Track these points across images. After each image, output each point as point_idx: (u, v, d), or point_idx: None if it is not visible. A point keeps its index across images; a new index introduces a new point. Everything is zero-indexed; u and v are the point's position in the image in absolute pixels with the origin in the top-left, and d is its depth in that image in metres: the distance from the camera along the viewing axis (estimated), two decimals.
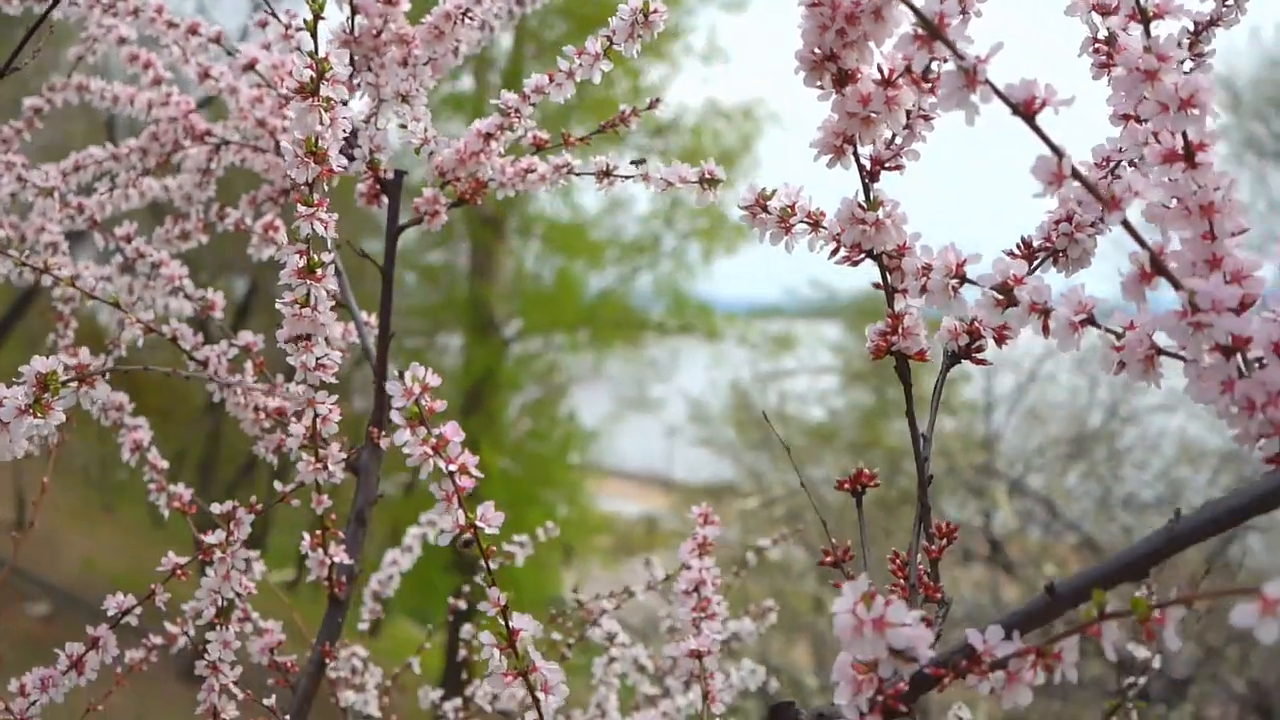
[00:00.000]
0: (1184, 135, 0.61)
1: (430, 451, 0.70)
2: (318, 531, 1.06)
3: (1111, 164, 0.79)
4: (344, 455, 1.01)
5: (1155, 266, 0.58)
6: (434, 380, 0.70)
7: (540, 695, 0.73)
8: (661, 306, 12.33)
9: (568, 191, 11.87)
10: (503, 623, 0.73)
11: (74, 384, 0.73)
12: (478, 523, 0.71)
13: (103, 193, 1.29)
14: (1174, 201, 0.63)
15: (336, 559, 1.07)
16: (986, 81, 0.57)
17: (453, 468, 0.70)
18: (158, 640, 1.25)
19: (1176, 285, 0.58)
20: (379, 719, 1.42)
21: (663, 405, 12.69)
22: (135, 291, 1.32)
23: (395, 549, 1.62)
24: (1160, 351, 0.62)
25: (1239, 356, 0.59)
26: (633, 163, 1.04)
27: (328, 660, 1.10)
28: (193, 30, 1.18)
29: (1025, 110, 0.57)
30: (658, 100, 1.13)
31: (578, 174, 1.08)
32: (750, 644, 1.76)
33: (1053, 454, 7.03)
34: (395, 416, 0.69)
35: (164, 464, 1.19)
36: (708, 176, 0.95)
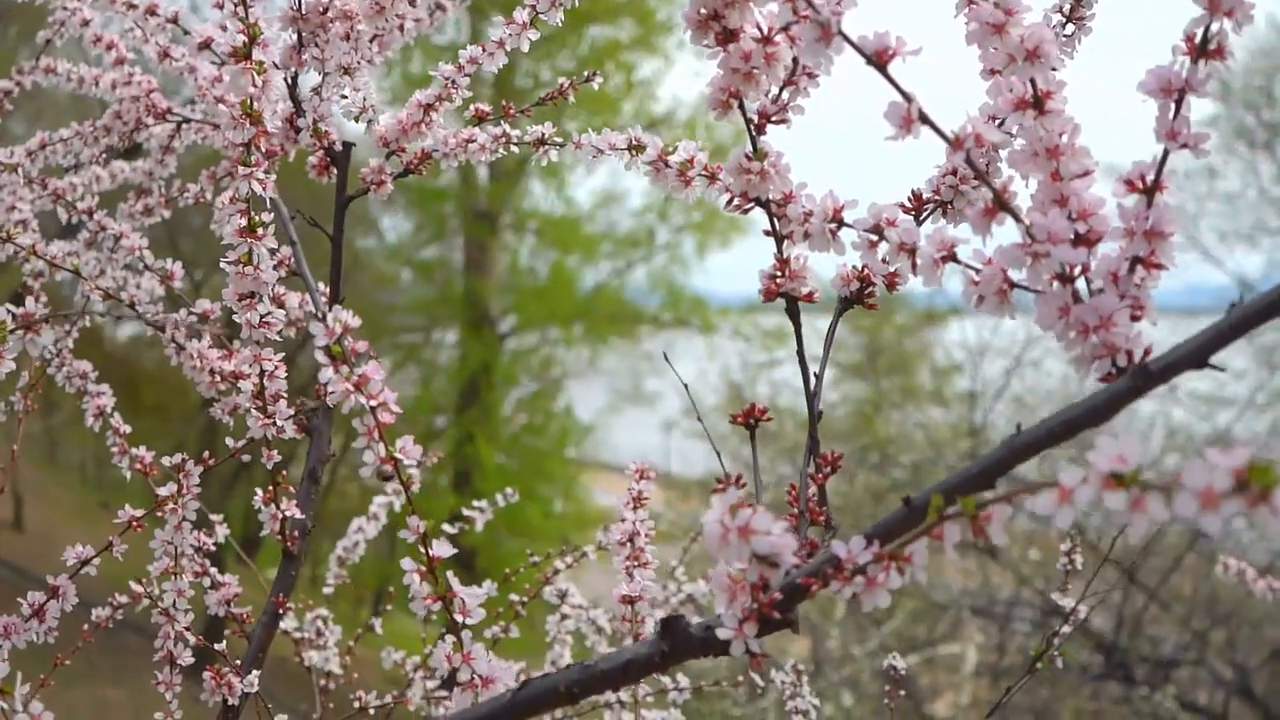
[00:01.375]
0: (1032, 83, 0.66)
1: (352, 388, 0.75)
2: (270, 487, 1.11)
3: (996, 120, 0.84)
4: (292, 411, 1.06)
5: (998, 203, 0.63)
6: (354, 321, 0.75)
7: (459, 618, 0.78)
8: (656, 300, 12.39)
9: (561, 186, 11.88)
10: (423, 550, 0.78)
11: (20, 331, 0.78)
12: (397, 454, 0.76)
13: (68, 169, 1.34)
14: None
15: (289, 514, 1.12)
16: (840, 34, 0.62)
17: (374, 403, 0.75)
18: (123, 599, 1.30)
19: (1018, 219, 0.63)
20: (340, 675, 1.48)
21: (659, 399, 12.75)
22: (102, 266, 1.37)
23: (361, 517, 1.68)
24: (1013, 285, 0.67)
25: (1079, 284, 0.64)
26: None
27: (281, 611, 1.15)
28: (151, 11, 1.23)
29: (878, 60, 0.62)
30: (595, 73, 1.19)
31: (516, 144, 1.13)
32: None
33: None
34: (319, 355, 0.74)
35: (127, 429, 1.24)
36: (634, 144, 1.00)
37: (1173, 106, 0.64)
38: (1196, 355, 0.58)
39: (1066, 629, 1.24)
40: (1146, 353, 0.62)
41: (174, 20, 1.24)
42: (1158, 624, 6.56)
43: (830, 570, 0.64)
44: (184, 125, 1.37)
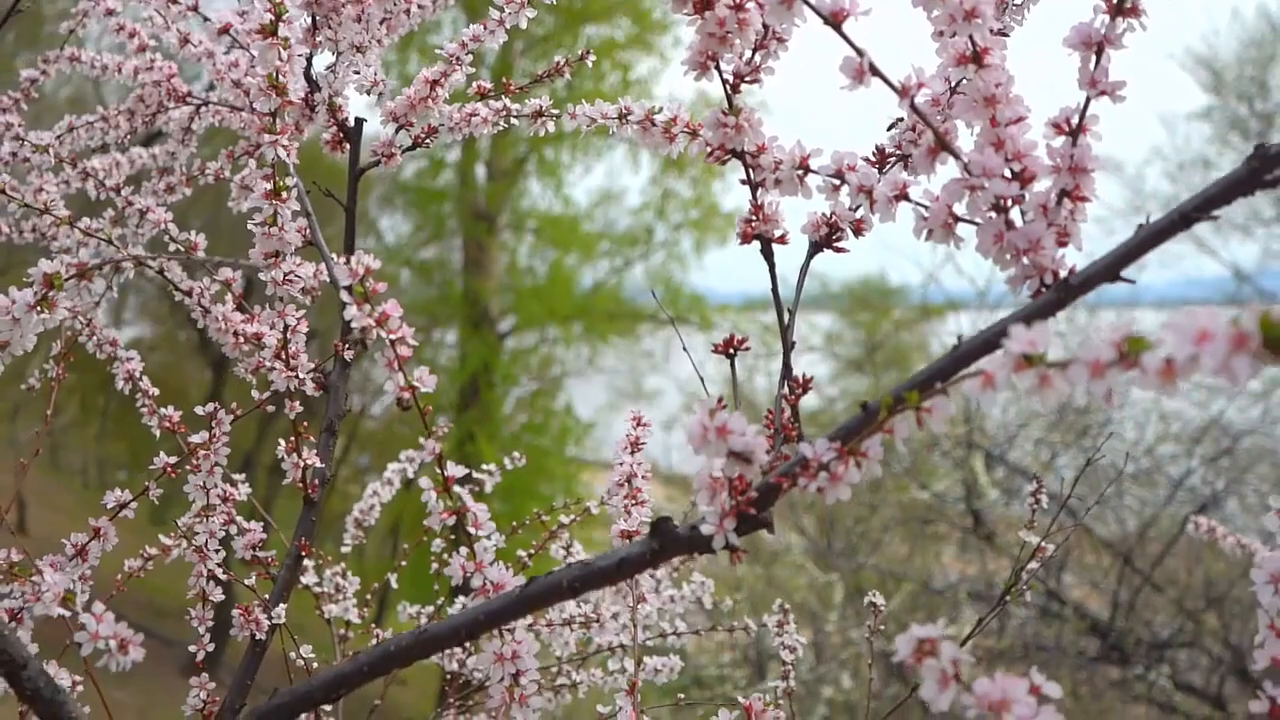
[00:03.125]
0: (971, 40, 0.75)
1: (374, 324, 0.84)
2: (292, 438, 1.20)
3: (950, 81, 0.93)
4: (312, 365, 1.15)
5: (940, 143, 0.72)
6: (375, 264, 0.84)
7: (472, 530, 0.87)
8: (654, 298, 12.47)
9: (559, 185, 11.93)
10: (439, 470, 0.87)
11: (74, 280, 0.87)
12: (415, 382, 0.85)
13: (93, 150, 1.43)
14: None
15: (310, 463, 1.21)
16: None
17: (394, 337, 0.84)
18: (153, 551, 1.39)
19: (957, 157, 0.72)
20: (359, 625, 1.57)
21: (659, 396, 12.83)
22: (129, 242, 1.46)
23: (376, 482, 1.76)
24: (957, 218, 0.76)
25: (1015, 217, 0.73)
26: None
27: (304, 553, 1.24)
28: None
29: (834, 19, 0.71)
30: (588, 53, 1.28)
31: (516, 116, 1.22)
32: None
33: (1036, 426, 7.19)
34: (343, 294, 0.83)
35: (155, 391, 1.33)
36: (624, 112, 1.09)
37: (1093, 58, 0.73)
38: (1111, 270, 0.67)
39: (1034, 565, 1.32)
40: (1071, 271, 0.71)
41: (194, 8, 1.33)
42: (1152, 607, 6.65)
43: (799, 469, 0.73)
44: (203, 108, 1.46)
